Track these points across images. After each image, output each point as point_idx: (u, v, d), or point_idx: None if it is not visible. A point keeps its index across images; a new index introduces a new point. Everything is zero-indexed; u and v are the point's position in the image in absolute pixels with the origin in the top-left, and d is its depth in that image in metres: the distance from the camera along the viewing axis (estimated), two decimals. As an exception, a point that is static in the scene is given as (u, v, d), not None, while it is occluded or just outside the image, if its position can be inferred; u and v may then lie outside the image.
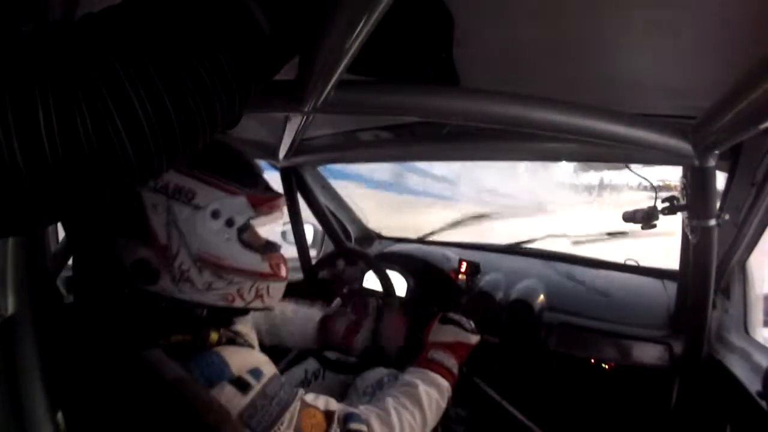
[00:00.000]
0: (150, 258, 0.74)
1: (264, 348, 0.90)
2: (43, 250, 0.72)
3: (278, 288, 0.87)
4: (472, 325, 1.17)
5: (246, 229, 0.82)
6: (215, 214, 0.76)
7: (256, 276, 0.82)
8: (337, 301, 1.57)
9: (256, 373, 0.74)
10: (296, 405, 0.76)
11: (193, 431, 0.67)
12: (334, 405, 0.83)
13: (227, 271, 0.79)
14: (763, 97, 0.58)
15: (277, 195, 0.85)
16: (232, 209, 0.78)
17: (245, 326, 0.91)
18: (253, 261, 0.81)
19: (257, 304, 0.84)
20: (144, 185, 0.46)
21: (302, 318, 1.29)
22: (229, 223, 0.78)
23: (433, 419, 0.95)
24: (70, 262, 0.88)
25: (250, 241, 0.82)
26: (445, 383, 1.00)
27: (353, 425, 0.81)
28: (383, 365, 1.52)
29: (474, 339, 1.14)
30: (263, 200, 0.82)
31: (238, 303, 0.82)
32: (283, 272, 0.87)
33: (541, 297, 1.56)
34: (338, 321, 1.28)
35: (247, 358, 0.76)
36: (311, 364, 1.56)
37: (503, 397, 1.55)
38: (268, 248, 0.86)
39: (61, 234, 0.84)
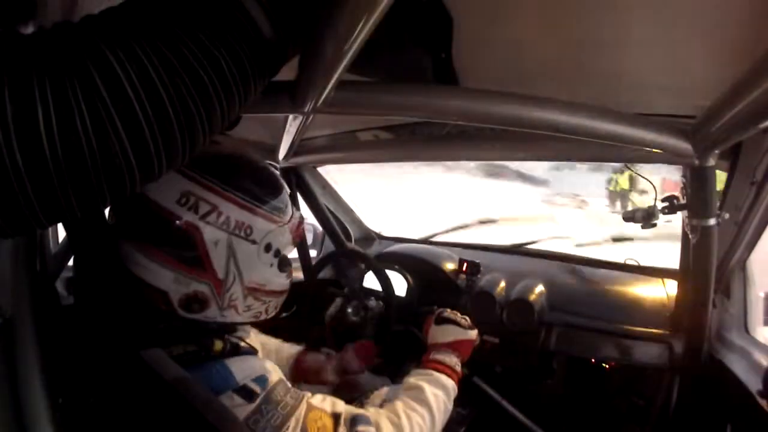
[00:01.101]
0: (204, 291, 0.76)
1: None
2: (43, 251, 0.72)
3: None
4: (468, 320, 1.16)
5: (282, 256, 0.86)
6: (268, 248, 0.80)
7: (282, 294, 0.89)
8: (337, 301, 1.57)
9: (261, 380, 0.74)
10: (302, 408, 0.75)
11: (193, 431, 0.67)
12: (341, 407, 0.83)
13: (268, 294, 0.84)
14: (763, 97, 0.58)
15: (302, 217, 0.89)
16: (279, 241, 0.82)
17: (246, 332, 0.92)
18: (283, 282, 0.88)
19: (273, 313, 0.89)
20: (144, 187, 0.46)
21: (284, 353, 1.27)
22: (276, 253, 0.83)
23: (441, 421, 0.94)
24: (71, 262, 0.88)
25: (282, 264, 0.87)
26: (450, 383, 1.00)
27: (361, 427, 0.80)
28: (381, 367, 1.52)
29: (472, 334, 1.12)
30: (298, 226, 0.86)
31: (263, 317, 0.87)
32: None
33: (542, 297, 1.56)
34: (308, 358, 1.26)
35: (251, 366, 0.76)
36: None
37: (503, 396, 1.55)
38: (288, 264, 0.90)
39: (62, 234, 0.84)
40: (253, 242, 0.78)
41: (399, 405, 0.90)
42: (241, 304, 0.80)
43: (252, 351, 0.84)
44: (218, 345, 0.77)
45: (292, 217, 0.85)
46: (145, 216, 0.73)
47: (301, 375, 1.23)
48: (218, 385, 0.70)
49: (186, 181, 0.73)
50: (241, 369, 0.74)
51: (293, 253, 1.87)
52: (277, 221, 0.80)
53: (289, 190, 0.87)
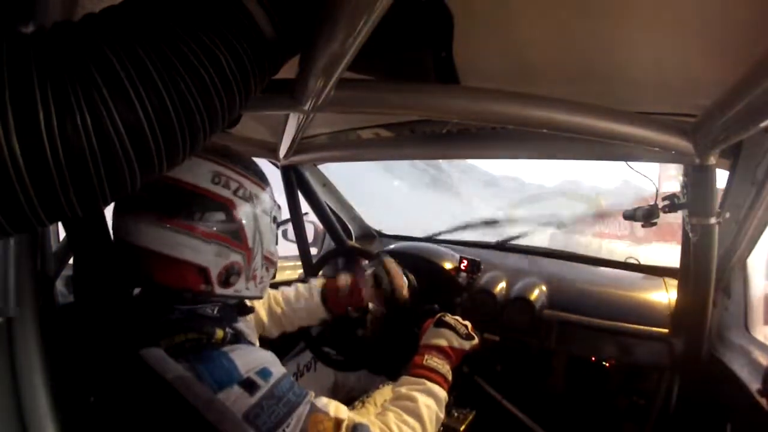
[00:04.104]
0: (239, 262, 0.85)
1: (268, 343, 0.91)
2: (44, 250, 0.72)
3: None
4: (468, 328, 1.15)
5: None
6: (275, 219, 0.94)
7: (276, 264, 0.98)
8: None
9: (264, 373, 0.74)
10: (305, 408, 0.75)
11: (194, 430, 0.67)
12: (344, 412, 0.83)
13: (272, 264, 0.95)
14: (764, 96, 0.58)
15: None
16: (278, 213, 0.95)
17: (246, 325, 0.92)
18: (277, 253, 0.97)
19: (266, 290, 0.99)
20: (144, 185, 0.46)
21: (304, 294, 1.35)
22: (278, 225, 0.96)
23: (433, 431, 0.94)
24: (71, 262, 0.88)
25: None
26: (442, 393, 0.99)
27: None
28: (379, 366, 1.52)
29: (467, 345, 1.12)
30: (279, 206, 0.98)
31: (265, 293, 0.97)
32: None
33: (542, 295, 1.56)
34: (339, 281, 1.36)
35: (255, 358, 0.77)
36: (304, 357, 1.57)
37: (504, 395, 1.55)
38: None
39: (62, 234, 0.84)
40: (265, 212, 0.89)
41: (391, 416, 0.89)
42: (259, 275, 0.91)
43: (250, 343, 0.85)
44: (219, 333, 0.79)
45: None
46: (184, 197, 0.80)
47: (336, 302, 1.35)
48: (223, 377, 0.71)
49: (212, 164, 0.82)
50: (244, 360, 0.74)
51: (294, 250, 1.88)
52: (272, 196, 0.93)
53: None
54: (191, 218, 0.79)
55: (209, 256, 0.81)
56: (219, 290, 0.84)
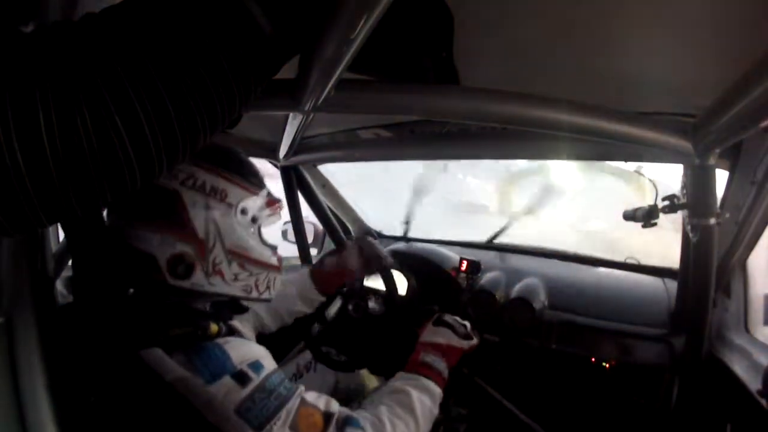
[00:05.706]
0: (188, 252, 0.81)
1: (266, 341, 0.91)
2: (43, 250, 0.72)
3: (280, 281, 0.97)
4: (468, 328, 1.16)
5: (260, 226, 0.93)
6: (244, 212, 0.88)
7: (270, 268, 0.92)
8: (337, 299, 1.57)
9: (256, 366, 0.75)
10: (295, 402, 0.76)
11: (194, 430, 0.67)
12: (335, 407, 0.83)
13: (252, 263, 0.89)
14: (764, 96, 0.58)
15: (278, 199, 0.96)
16: (255, 208, 0.90)
17: (243, 324, 0.92)
18: (268, 254, 0.92)
19: (266, 295, 0.93)
20: (143, 186, 0.46)
21: (293, 280, 1.34)
22: (253, 220, 0.90)
23: (426, 427, 0.93)
24: (71, 262, 0.88)
25: (263, 238, 0.94)
26: (437, 390, 0.99)
27: (350, 430, 0.80)
28: (379, 367, 1.52)
29: (465, 344, 1.12)
30: (273, 202, 0.94)
31: (254, 294, 0.91)
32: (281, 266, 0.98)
33: (542, 295, 1.56)
34: (326, 261, 1.38)
35: (248, 351, 0.78)
36: (303, 358, 1.57)
37: (504, 395, 1.55)
38: (270, 245, 0.95)
39: (62, 234, 0.84)
40: (229, 205, 0.85)
41: (384, 410, 0.89)
42: (227, 271, 0.85)
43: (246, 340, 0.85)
44: (214, 328, 0.79)
45: (268, 194, 0.94)
46: None
47: (327, 283, 1.34)
48: (216, 368, 0.72)
49: None
50: (237, 352, 0.75)
51: (294, 251, 1.88)
52: (250, 190, 0.89)
53: (258, 173, 0.94)
54: (135, 206, 0.80)
55: (153, 244, 0.79)
56: (172, 281, 0.80)
